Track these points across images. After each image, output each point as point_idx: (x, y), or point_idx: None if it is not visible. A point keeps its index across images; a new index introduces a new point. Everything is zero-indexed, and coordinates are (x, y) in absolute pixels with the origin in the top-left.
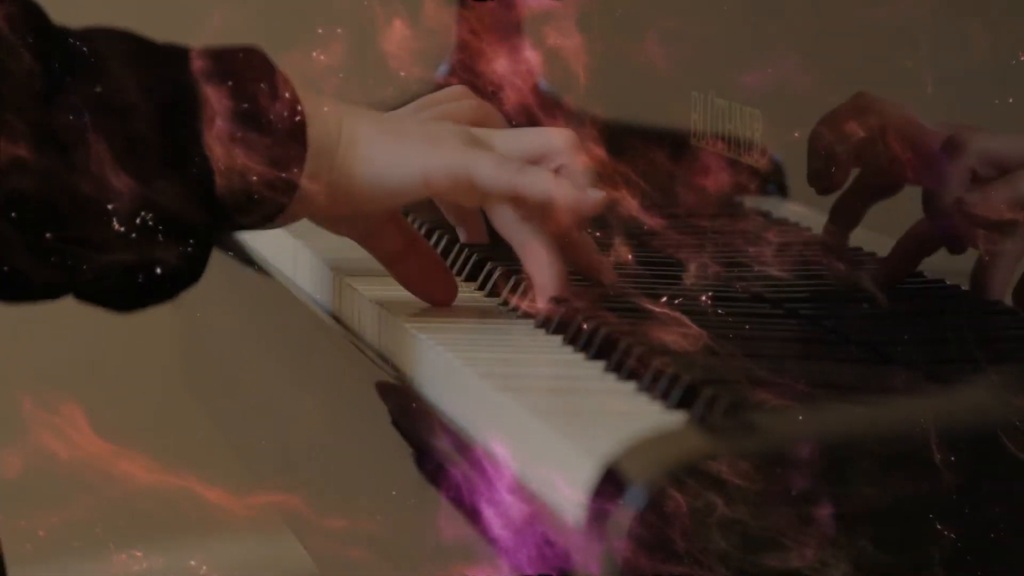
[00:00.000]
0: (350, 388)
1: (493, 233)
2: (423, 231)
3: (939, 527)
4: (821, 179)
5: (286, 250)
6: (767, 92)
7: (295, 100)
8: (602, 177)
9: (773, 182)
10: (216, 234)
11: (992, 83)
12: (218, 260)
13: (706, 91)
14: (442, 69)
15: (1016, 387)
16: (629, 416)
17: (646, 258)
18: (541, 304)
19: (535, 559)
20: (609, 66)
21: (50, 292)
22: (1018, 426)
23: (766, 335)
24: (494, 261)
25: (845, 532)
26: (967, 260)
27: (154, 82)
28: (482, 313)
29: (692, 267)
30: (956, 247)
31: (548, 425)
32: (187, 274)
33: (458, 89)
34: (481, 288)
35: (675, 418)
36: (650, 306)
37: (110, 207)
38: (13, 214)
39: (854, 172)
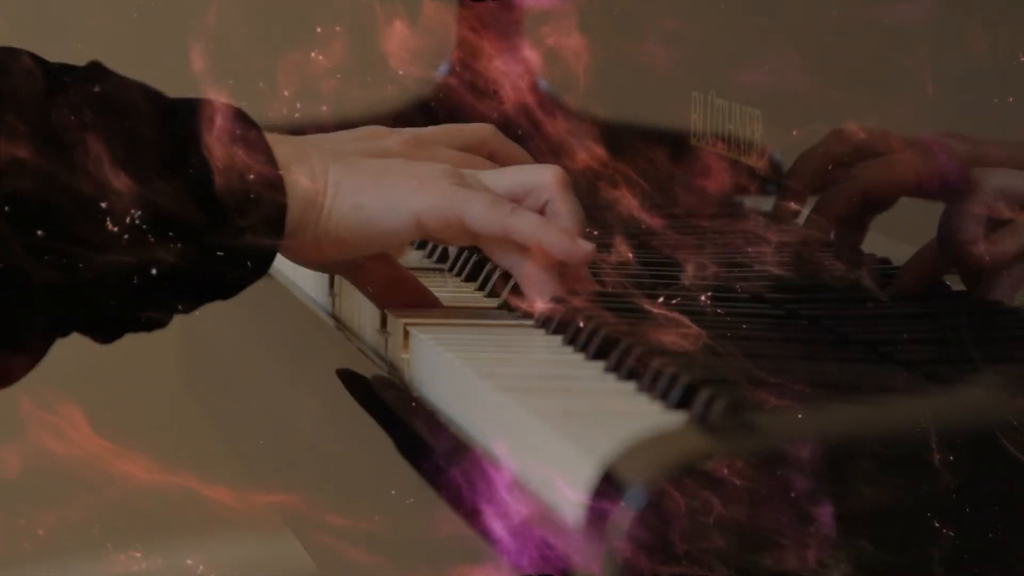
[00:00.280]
0: (350, 388)
1: None
2: None
3: (939, 527)
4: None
5: None
6: (767, 92)
7: (269, 159)
8: (602, 177)
9: (773, 182)
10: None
11: (992, 83)
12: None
13: (706, 91)
14: (442, 69)
15: (1016, 387)
16: (629, 416)
17: (646, 258)
18: (540, 304)
19: (535, 559)
20: (609, 66)
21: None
22: (1016, 427)
23: (766, 335)
24: (495, 262)
25: (845, 532)
26: None
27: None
28: (482, 313)
29: (692, 267)
30: (970, 284)
31: (548, 425)
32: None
33: (487, 129)
34: (481, 288)
35: (675, 418)
36: (650, 306)
37: (108, 207)
38: (12, 214)
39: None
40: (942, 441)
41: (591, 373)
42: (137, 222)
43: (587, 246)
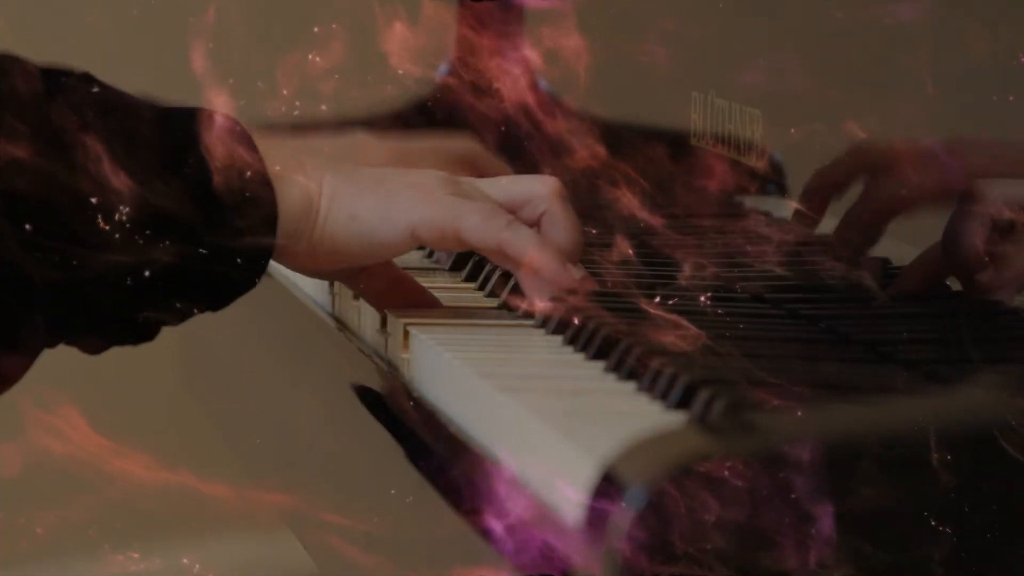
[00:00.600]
0: (350, 388)
1: None
2: None
3: (939, 527)
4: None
5: None
6: (767, 92)
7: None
8: (602, 177)
9: (773, 182)
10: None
11: (992, 83)
12: None
13: (706, 91)
14: (442, 68)
15: (1016, 387)
16: (629, 416)
17: (646, 258)
18: (540, 304)
19: (535, 559)
20: (609, 66)
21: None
22: (1015, 427)
23: (766, 335)
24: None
25: (845, 532)
26: None
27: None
28: (482, 313)
29: (691, 267)
30: (972, 293)
31: (548, 425)
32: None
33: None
34: (481, 288)
35: (675, 418)
36: (649, 306)
37: (107, 207)
38: (12, 213)
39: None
40: (942, 441)
41: (591, 373)
42: (134, 222)
43: (576, 273)
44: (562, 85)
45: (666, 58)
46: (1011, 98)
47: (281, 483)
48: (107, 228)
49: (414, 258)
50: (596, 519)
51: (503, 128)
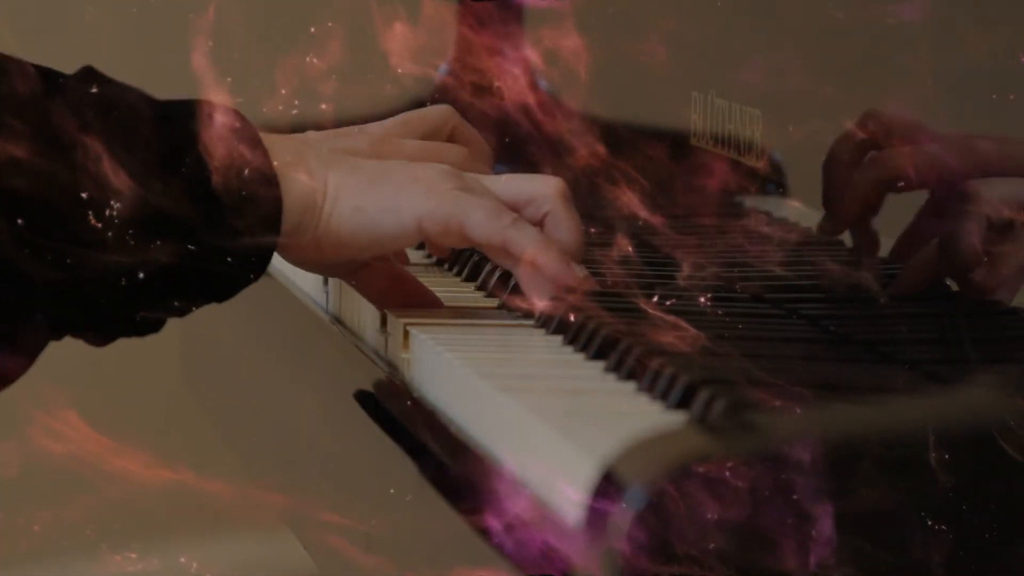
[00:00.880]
0: (350, 388)
1: None
2: None
3: (938, 527)
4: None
5: None
6: (767, 92)
7: (265, 161)
8: (602, 176)
9: (773, 182)
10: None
11: (992, 83)
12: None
13: (706, 91)
14: (442, 68)
15: (1016, 387)
16: (629, 416)
17: (646, 258)
18: (540, 304)
19: (535, 559)
20: (609, 66)
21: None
22: (1014, 427)
23: (766, 335)
24: (494, 261)
25: (845, 533)
26: None
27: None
28: (482, 313)
29: (691, 267)
30: (970, 293)
31: (548, 425)
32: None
33: (445, 110)
34: (481, 288)
35: (675, 418)
36: (649, 306)
37: (107, 206)
38: (11, 213)
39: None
40: (942, 441)
41: (591, 373)
42: (135, 220)
43: (580, 272)
44: (562, 85)
45: (666, 58)
46: (1011, 97)
47: (280, 482)
48: (107, 228)
49: (414, 258)
50: (596, 519)
51: (503, 128)
